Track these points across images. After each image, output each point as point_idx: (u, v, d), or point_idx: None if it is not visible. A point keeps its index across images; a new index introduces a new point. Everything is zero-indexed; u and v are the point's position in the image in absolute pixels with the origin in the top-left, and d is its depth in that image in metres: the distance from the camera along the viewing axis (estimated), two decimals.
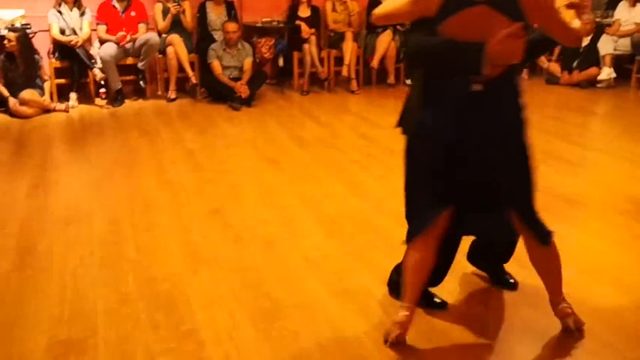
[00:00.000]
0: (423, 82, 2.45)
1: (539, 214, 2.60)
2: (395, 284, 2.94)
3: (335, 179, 4.63)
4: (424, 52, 2.37)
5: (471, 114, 2.36)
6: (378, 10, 2.48)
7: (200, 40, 7.47)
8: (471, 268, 3.23)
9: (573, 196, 4.37)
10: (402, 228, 3.72)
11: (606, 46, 8.00)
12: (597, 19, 8.20)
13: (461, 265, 3.16)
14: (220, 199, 4.30)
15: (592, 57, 8.00)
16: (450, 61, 2.31)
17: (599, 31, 8.10)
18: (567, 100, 7.44)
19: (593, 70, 7.96)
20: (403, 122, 2.68)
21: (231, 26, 7.08)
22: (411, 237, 2.64)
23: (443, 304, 2.96)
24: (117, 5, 7.12)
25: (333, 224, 3.85)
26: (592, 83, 7.94)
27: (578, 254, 3.58)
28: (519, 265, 3.09)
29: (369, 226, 3.82)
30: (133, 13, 7.17)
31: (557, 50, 8.43)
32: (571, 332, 2.71)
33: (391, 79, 7.88)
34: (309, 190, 4.43)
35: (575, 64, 8.07)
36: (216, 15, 7.42)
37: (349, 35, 7.61)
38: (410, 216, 2.70)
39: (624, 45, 8.03)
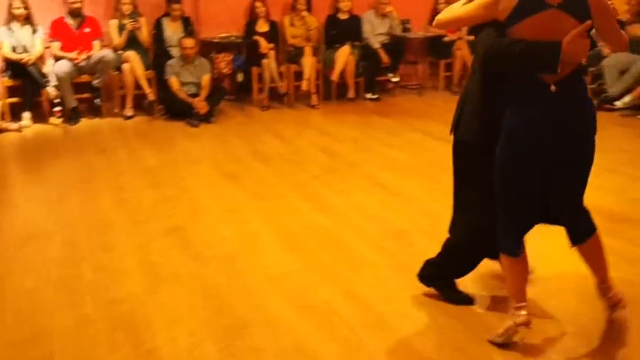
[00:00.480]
0: (493, 86, 2.56)
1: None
2: (429, 277, 3.09)
3: (296, 194, 4.61)
4: (502, 54, 2.43)
5: (552, 114, 2.45)
6: (443, 16, 2.61)
7: (157, 56, 7.40)
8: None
9: None
10: (364, 241, 3.76)
11: None
12: None
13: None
14: (180, 216, 4.24)
15: None
16: (528, 61, 2.39)
17: None
18: None
19: None
20: (463, 127, 2.75)
21: (189, 42, 7.04)
22: (513, 248, 2.66)
23: (470, 299, 3.07)
24: (70, 22, 7.01)
25: (294, 239, 3.83)
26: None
27: (536, 260, 3.62)
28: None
29: (330, 240, 3.81)
30: (87, 30, 7.06)
31: None
32: (620, 320, 2.77)
33: (351, 94, 7.92)
34: (270, 205, 4.41)
35: None
36: (172, 31, 7.37)
37: (308, 50, 7.63)
38: (507, 224, 2.66)
39: None
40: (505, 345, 2.69)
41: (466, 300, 3.07)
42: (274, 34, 7.69)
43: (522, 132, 2.48)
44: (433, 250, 3.60)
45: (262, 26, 7.63)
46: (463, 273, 3.09)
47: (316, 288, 3.25)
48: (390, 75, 8.24)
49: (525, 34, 2.37)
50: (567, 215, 2.71)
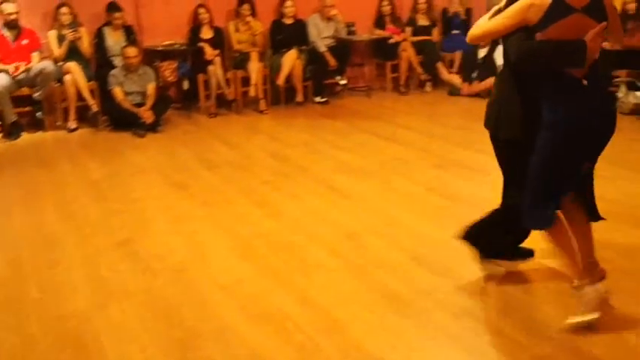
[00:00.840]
0: (529, 88, 2.82)
1: None
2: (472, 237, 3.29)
3: (246, 201, 4.57)
4: (535, 54, 2.71)
5: (587, 103, 2.73)
6: (475, 31, 2.88)
7: (99, 66, 7.24)
8: None
9: (477, 201, 4.48)
10: (316, 245, 3.74)
11: (501, 56, 8.34)
12: None
13: None
14: (128, 229, 4.14)
15: (489, 67, 8.32)
16: (559, 59, 2.69)
17: (494, 42, 8.45)
18: (469, 110, 7.69)
19: (491, 80, 8.26)
20: (500, 123, 2.97)
21: (131, 51, 6.91)
22: (552, 219, 2.86)
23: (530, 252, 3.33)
24: (7, 34, 6.80)
25: (245, 247, 3.79)
26: (491, 93, 8.23)
27: None
28: None
29: (282, 246, 3.78)
30: (24, 42, 6.85)
31: (457, 62, 8.75)
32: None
33: (299, 97, 7.92)
34: (220, 213, 4.35)
35: (474, 75, 8.38)
36: (114, 40, 7.22)
37: (254, 55, 7.59)
38: (549, 201, 2.86)
39: None
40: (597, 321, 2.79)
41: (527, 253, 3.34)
42: (219, 40, 7.63)
43: (566, 121, 2.74)
44: (386, 251, 3.64)
45: (207, 33, 7.56)
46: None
47: (269, 295, 3.21)
48: (338, 78, 8.28)
49: (553, 36, 2.65)
50: (590, 190, 2.99)
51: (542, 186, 2.85)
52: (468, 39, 2.95)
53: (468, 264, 3.49)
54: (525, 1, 2.68)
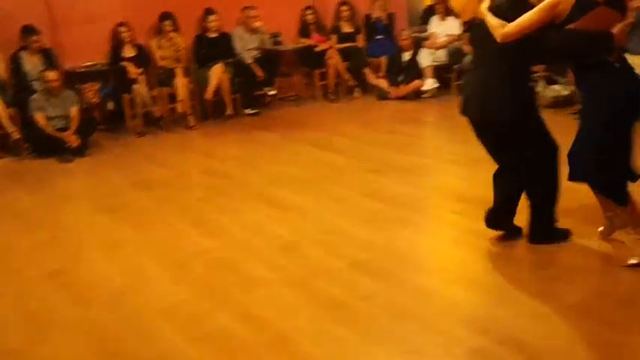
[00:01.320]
0: (522, 73, 3.36)
1: None
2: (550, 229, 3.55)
3: (181, 220, 4.47)
4: (573, 44, 3.07)
5: (623, 81, 3.12)
6: (510, 30, 3.08)
7: (18, 92, 6.96)
8: None
9: (413, 202, 4.56)
10: (255, 260, 3.70)
11: (426, 58, 8.53)
12: (414, 34, 8.74)
13: None
14: (59, 258, 3.99)
15: (414, 70, 8.49)
16: (591, 48, 3.06)
17: (417, 45, 8.62)
18: (398, 113, 7.82)
19: (417, 82, 8.43)
20: (496, 109, 3.32)
21: (51, 74, 6.69)
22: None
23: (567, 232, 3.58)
24: None
25: (183, 268, 3.71)
26: (418, 95, 8.41)
27: (424, 257, 3.74)
28: None
29: (221, 263, 3.73)
30: None
31: (383, 67, 8.87)
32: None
33: (229, 111, 7.84)
34: (155, 235, 4.25)
35: (400, 78, 8.52)
36: (32, 64, 6.97)
37: (179, 71, 7.48)
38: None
39: (441, 56, 8.61)
40: None
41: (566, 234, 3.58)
42: (142, 58, 7.48)
43: (616, 95, 3.09)
44: (326, 259, 3.63)
45: (129, 51, 7.40)
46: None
47: (210, 315, 3.15)
48: (267, 89, 8.26)
49: (580, 27, 2.99)
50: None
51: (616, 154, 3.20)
52: (502, 39, 3.12)
53: (407, 266, 3.54)
54: (544, 5, 3.02)
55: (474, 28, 3.47)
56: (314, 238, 3.99)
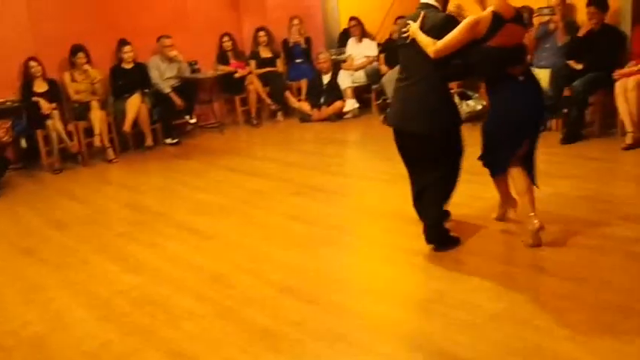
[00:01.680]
0: (445, 89, 3.75)
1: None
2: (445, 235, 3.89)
3: (103, 257, 4.31)
4: (489, 59, 3.54)
5: (524, 95, 3.65)
6: (440, 46, 3.45)
7: None
8: None
9: (341, 223, 4.58)
10: (182, 293, 3.61)
11: (345, 80, 8.66)
12: (333, 57, 8.86)
13: None
14: None
15: (335, 92, 8.59)
16: (505, 61, 3.56)
17: (336, 67, 8.74)
18: (321, 134, 7.87)
19: (338, 103, 8.53)
20: (426, 123, 3.67)
21: None
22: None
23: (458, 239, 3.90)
24: None
25: (107, 307, 3.56)
26: (340, 116, 8.51)
27: (353, 277, 3.74)
28: None
29: (146, 300, 3.60)
30: None
31: (304, 90, 8.93)
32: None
33: (149, 142, 7.69)
34: (75, 275, 4.07)
35: (321, 100, 8.59)
36: None
37: (95, 104, 7.28)
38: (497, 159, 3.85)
39: (360, 77, 8.76)
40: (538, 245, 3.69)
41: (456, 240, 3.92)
42: (55, 92, 7.23)
43: (510, 108, 3.66)
44: (254, 287, 3.58)
45: (40, 86, 7.14)
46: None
47: (138, 354, 3.03)
48: (187, 117, 8.16)
49: (497, 44, 3.48)
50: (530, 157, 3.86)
51: (503, 144, 3.77)
52: (434, 55, 3.48)
53: (336, 287, 3.53)
54: (472, 19, 3.45)
55: (401, 47, 3.76)
56: (241, 266, 3.93)
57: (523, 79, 3.63)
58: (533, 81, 3.74)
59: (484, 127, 3.85)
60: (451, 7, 4.29)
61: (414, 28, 3.59)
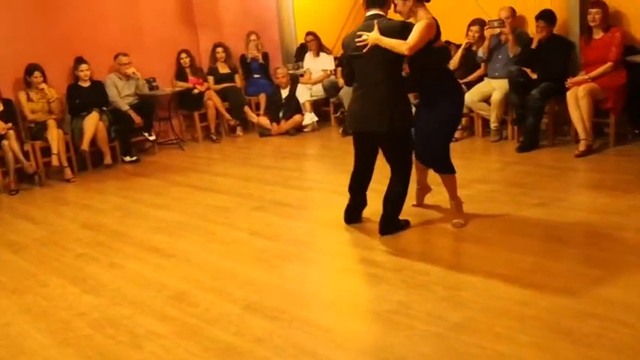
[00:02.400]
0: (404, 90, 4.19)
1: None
2: (394, 224, 4.35)
3: (61, 279, 4.23)
4: (439, 57, 4.22)
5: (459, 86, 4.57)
6: (411, 42, 3.83)
7: None
8: None
9: (303, 237, 4.59)
10: (144, 313, 3.56)
11: (303, 94, 8.71)
12: (290, 72, 8.90)
13: None
14: None
15: (294, 106, 8.63)
16: (445, 57, 4.48)
17: (294, 81, 8.79)
18: (280, 148, 7.89)
19: (297, 117, 8.57)
20: (400, 124, 4.06)
21: None
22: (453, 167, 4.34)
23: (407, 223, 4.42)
24: None
25: (67, 330, 3.49)
26: (299, 129, 8.55)
27: (316, 291, 3.75)
28: None
29: (107, 321, 3.54)
30: None
31: (262, 104, 8.95)
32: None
33: (107, 160, 7.59)
34: (33, 298, 3.98)
35: (280, 114, 8.62)
36: None
37: (52, 123, 7.16)
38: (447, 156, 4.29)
39: (318, 91, 8.82)
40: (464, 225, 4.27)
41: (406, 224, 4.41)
42: (10, 112, 7.09)
43: (462, 98, 4.46)
44: (217, 305, 3.56)
45: None
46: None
47: None
48: (146, 134, 8.09)
49: (437, 45, 4.06)
50: None
51: (447, 143, 4.25)
52: (410, 51, 3.84)
53: (300, 302, 3.54)
54: (428, 21, 3.89)
55: (356, 58, 4.07)
56: (204, 283, 3.90)
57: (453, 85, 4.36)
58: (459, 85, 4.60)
59: (430, 126, 4.20)
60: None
61: (374, 36, 3.91)
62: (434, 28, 3.94)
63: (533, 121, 6.28)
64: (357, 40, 3.97)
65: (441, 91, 4.18)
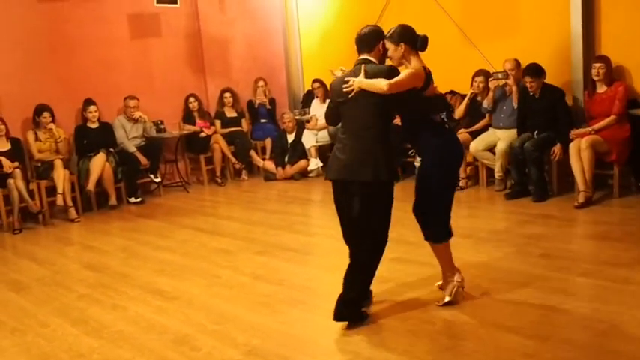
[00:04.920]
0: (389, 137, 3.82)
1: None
2: (353, 308, 3.77)
3: (61, 320, 4.20)
4: (429, 106, 3.88)
5: (455, 141, 4.07)
6: (392, 82, 3.61)
7: None
8: None
9: (307, 282, 4.57)
10: (145, 357, 3.52)
11: (309, 139, 8.78)
12: (297, 117, 9.00)
13: None
14: None
15: (299, 151, 8.70)
16: (438, 107, 3.96)
17: (300, 127, 8.88)
18: (286, 193, 7.92)
19: (302, 162, 8.64)
20: (383, 171, 3.70)
21: None
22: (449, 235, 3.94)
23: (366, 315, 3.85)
24: None
25: None
26: (304, 174, 8.60)
27: (319, 338, 3.71)
28: None
29: None
30: None
31: (268, 149, 9.02)
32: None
33: (113, 201, 7.64)
34: (33, 339, 3.94)
35: (286, 159, 8.68)
36: None
37: (59, 163, 7.23)
38: (446, 218, 3.92)
39: (324, 137, 8.89)
40: (452, 303, 3.82)
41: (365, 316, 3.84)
42: (18, 151, 7.17)
43: (450, 155, 3.91)
44: (219, 349, 3.53)
45: (3, 145, 7.08)
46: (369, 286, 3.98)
47: None
48: (152, 176, 8.15)
49: (429, 94, 3.84)
50: None
51: (446, 205, 3.88)
52: (388, 88, 3.60)
53: (304, 348, 3.51)
54: (414, 71, 3.73)
55: (342, 103, 3.86)
56: (206, 327, 3.87)
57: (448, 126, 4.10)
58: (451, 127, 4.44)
59: (425, 183, 3.87)
60: None
61: (358, 80, 3.71)
62: (421, 78, 3.75)
63: (536, 172, 6.30)
64: (344, 85, 3.80)
65: (430, 143, 3.85)
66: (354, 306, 3.75)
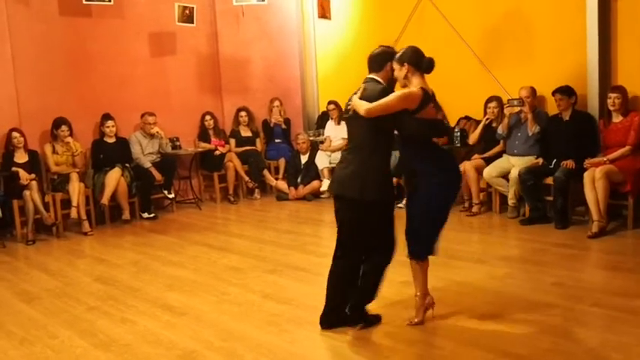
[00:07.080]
0: (388, 159, 3.88)
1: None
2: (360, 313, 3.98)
3: (71, 332, 4.21)
4: (422, 128, 3.75)
5: (450, 163, 4.00)
6: (372, 107, 3.63)
7: None
8: None
9: (316, 303, 4.53)
10: None
11: (322, 160, 8.81)
12: (311, 138, 9.05)
13: None
14: None
15: (312, 172, 8.73)
16: (433, 130, 3.86)
17: (314, 148, 8.91)
18: (297, 213, 7.93)
19: (315, 183, 8.66)
20: (374, 191, 3.74)
21: None
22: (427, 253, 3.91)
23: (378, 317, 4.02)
24: None
25: None
26: (316, 195, 8.62)
27: (329, 358, 3.69)
28: None
29: None
30: None
31: (282, 169, 9.06)
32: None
33: (126, 215, 7.68)
34: (41, 350, 3.95)
35: (299, 179, 8.71)
36: None
37: (74, 176, 7.30)
38: (429, 239, 3.89)
39: (337, 158, 8.88)
40: (421, 323, 3.89)
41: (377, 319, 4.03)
42: (35, 163, 7.27)
43: (447, 179, 3.88)
44: None
45: (21, 157, 7.19)
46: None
47: None
48: (165, 192, 8.20)
49: (424, 116, 3.71)
50: None
51: (429, 226, 3.85)
52: (366, 114, 3.64)
53: None
54: (405, 91, 3.72)
55: (347, 119, 4.00)
56: (214, 344, 3.87)
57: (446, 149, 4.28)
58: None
59: (418, 207, 3.84)
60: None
61: (354, 99, 3.81)
62: (413, 100, 3.67)
63: (562, 201, 6.25)
64: (348, 102, 3.93)
65: (425, 167, 3.83)
66: (359, 310, 3.96)
